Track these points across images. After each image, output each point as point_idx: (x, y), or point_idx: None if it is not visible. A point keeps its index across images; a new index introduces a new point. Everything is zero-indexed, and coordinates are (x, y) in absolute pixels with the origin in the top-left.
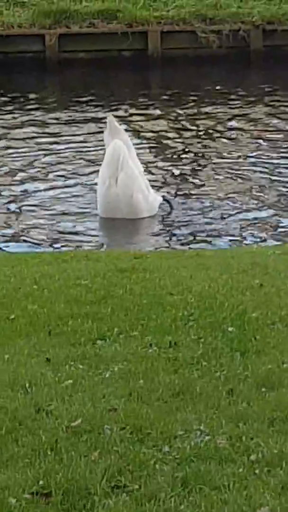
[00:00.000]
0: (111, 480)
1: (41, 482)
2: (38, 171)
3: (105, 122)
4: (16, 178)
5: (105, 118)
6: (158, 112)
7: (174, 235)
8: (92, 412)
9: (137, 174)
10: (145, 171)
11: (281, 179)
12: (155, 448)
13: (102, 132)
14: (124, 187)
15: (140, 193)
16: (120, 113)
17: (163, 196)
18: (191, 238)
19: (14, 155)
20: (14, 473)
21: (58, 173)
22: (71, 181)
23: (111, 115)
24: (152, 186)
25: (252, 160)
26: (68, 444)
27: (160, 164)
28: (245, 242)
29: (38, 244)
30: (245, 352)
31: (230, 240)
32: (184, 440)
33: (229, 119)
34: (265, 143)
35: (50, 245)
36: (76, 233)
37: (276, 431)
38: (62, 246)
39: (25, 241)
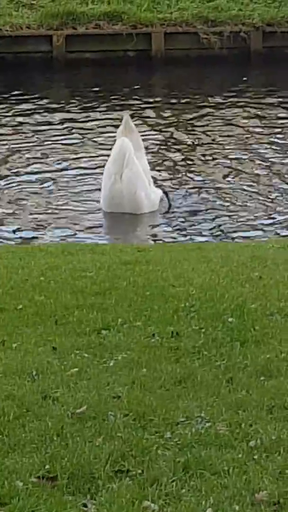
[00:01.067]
0: (115, 464)
1: (47, 467)
2: (44, 168)
3: (110, 121)
4: (22, 174)
5: (110, 116)
6: (161, 110)
7: (176, 229)
8: (97, 399)
9: (141, 171)
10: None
11: (280, 175)
12: (157, 434)
13: (107, 130)
14: (128, 184)
15: (143, 191)
16: (124, 111)
17: (162, 190)
18: (192, 231)
19: (22, 153)
20: (21, 458)
21: (63, 170)
22: (76, 178)
23: (128, 114)
24: (156, 182)
25: (253, 157)
26: (74, 430)
27: (163, 161)
28: (246, 236)
29: (42, 237)
30: (245, 342)
31: (232, 234)
32: (185, 426)
33: (230, 118)
34: (264, 141)
35: (54, 238)
36: (79, 227)
37: (274, 418)
38: (66, 239)
39: (30, 231)
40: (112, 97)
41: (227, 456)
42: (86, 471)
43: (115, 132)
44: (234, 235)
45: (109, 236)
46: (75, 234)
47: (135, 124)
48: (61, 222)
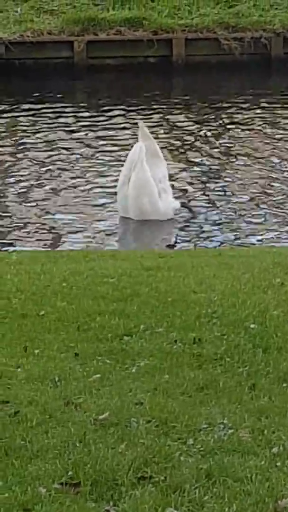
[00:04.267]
0: (138, 471)
1: (70, 473)
2: (64, 173)
3: (131, 127)
4: (42, 180)
5: (130, 122)
6: (182, 116)
7: (196, 237)
8: (119, 406)
9: (149, 177)
10: (169, 175)
11: None
12: (180, 440)
13: (127, 136)
14: (133, 188)
15: (147, 197)
16: (145, 117)
17: (182, 204)
18: (210, 239)
19: (42, 159)
20: (44, 464)
21: (83, 175)
22: (96, 183)
23: (142, 122)
24: (175, 191)
25: (274, 164)
26: (96, 436)
27: (183, 168)
28: (266, 243)
29: (57, 243)
30: (267, 349)
31: (253, 241)
32: (208, 433)
33: (251, 125)
34: (286, 149)
35: (68, 244)
36: (97, 232)
37: None
38: (82, 244)
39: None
40: (133, 103)
41: (250, 463)
42: (109, 478)
43: (135, 137)
44: (255, 242)
45: (124, 241)
46: (92, 238)
47: (156, 130)
48: (76, 227)
